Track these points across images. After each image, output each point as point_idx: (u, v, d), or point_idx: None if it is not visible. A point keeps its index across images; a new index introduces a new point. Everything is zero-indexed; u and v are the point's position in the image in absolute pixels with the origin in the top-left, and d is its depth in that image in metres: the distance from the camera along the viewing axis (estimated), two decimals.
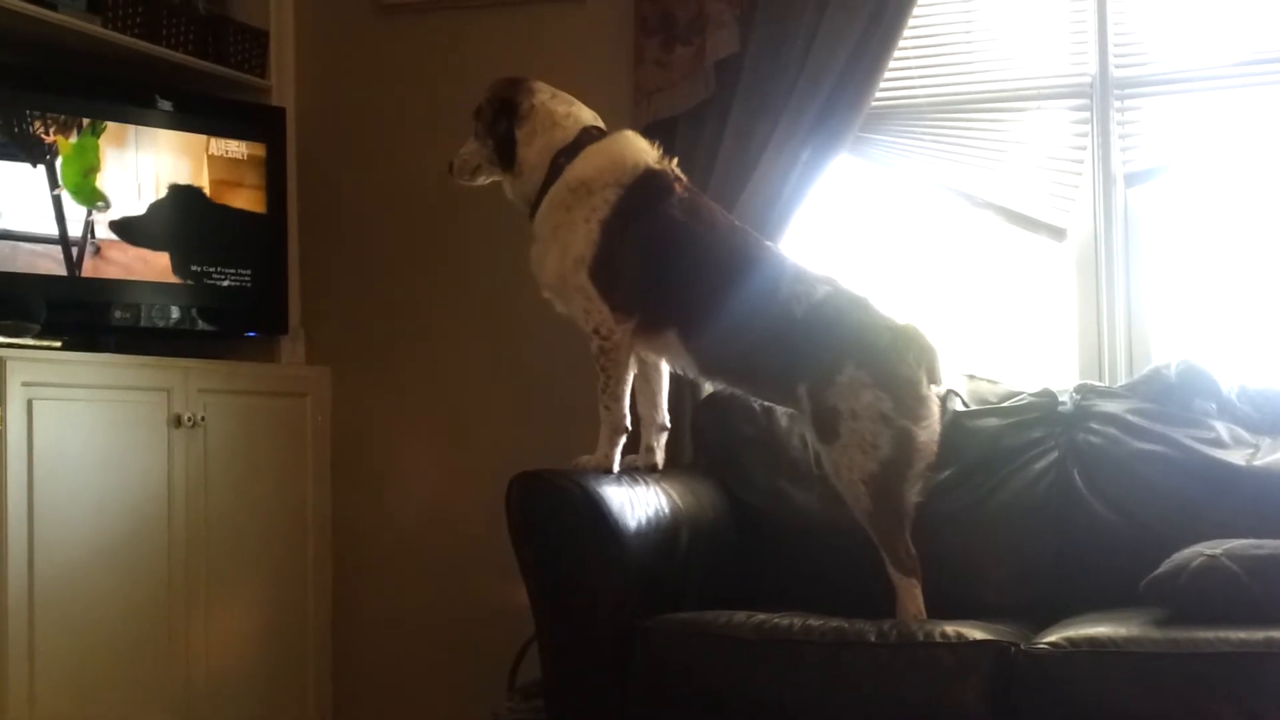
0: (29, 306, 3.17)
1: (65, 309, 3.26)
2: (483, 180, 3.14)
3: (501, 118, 3.03)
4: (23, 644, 2.92)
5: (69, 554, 3.03)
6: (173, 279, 3.49)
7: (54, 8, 3.25)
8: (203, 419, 3.37)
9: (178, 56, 3.57)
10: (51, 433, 3.00)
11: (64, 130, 3.26)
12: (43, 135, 3.21)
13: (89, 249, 3.31)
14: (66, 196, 3.25)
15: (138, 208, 3.42)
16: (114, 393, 3.18)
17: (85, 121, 3.30)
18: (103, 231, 3.34)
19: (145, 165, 3.44)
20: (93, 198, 3.32)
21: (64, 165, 3.26)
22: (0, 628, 2.87)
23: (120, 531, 3.17)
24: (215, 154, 3.58)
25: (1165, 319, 3.46)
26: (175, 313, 3.53)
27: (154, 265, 3.45)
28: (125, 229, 3.39)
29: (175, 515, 3.31)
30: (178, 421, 3.31)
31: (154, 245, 3.45)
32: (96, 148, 3.32)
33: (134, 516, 3.21)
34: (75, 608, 3.04)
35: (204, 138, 3.55)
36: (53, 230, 3.23)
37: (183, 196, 3.52)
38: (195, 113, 3.56)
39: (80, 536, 3.07)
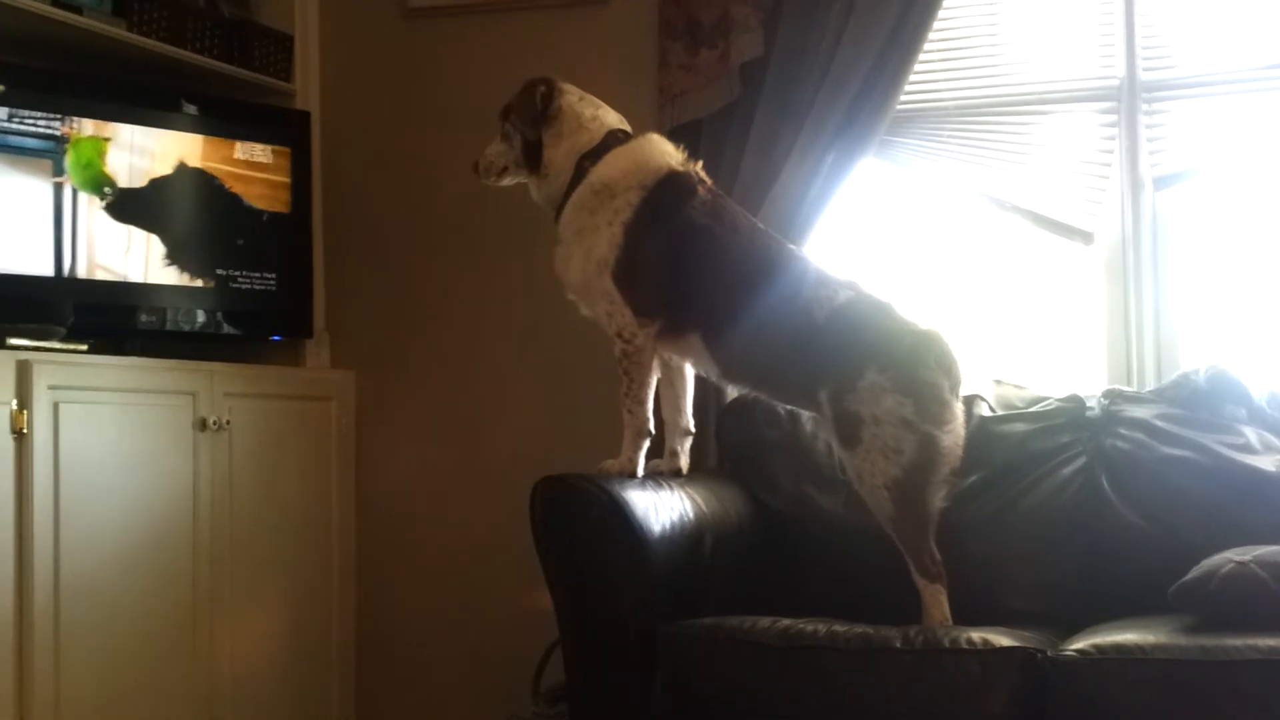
0: (55, 310, 3.19)
1: (90, 312, 3.27)
2: (508, 181, 3.15)
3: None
4: (49, 646, 2.93)
5: (95, 556, 3.05)
6: (198, 283, 3.51)
7: (79, 12, 3.26)
8: (228, 422, 3.38)
9: (203, 60, 3.58)
10: (77, 435, 3.01)
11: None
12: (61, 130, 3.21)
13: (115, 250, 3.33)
14: (76, 191, 3.25)
15: (163, 212, 3.43)
16: (140, 396, 3.19)
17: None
18: (122, 233, 3.36)
19: (171, 169, 3.44)
20: (99, 184, 3.30)
21: (72, 159, 3.25)
22: (27, 629, 2.89)
23: (145, 534, 3.18)
24: (240, 158, 3.59)
25: (1194, 324, 3.44)
26: (200, 316, 3.54)
27: (179, 269, 3.46)
28: (150, 232, 3.40)
29: (200, 518, 3.32)
30: (203, 425, 3.32)
31: (179, 249, 3.47)
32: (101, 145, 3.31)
33: (159, 519, 3.22)
34: (101, 610, 3.05)
35: (229, 141, 3.56)
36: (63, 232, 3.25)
37: (208, 200, 3.53)
38: (220, 116, 3.57)
39: (106, 539, 3.08)
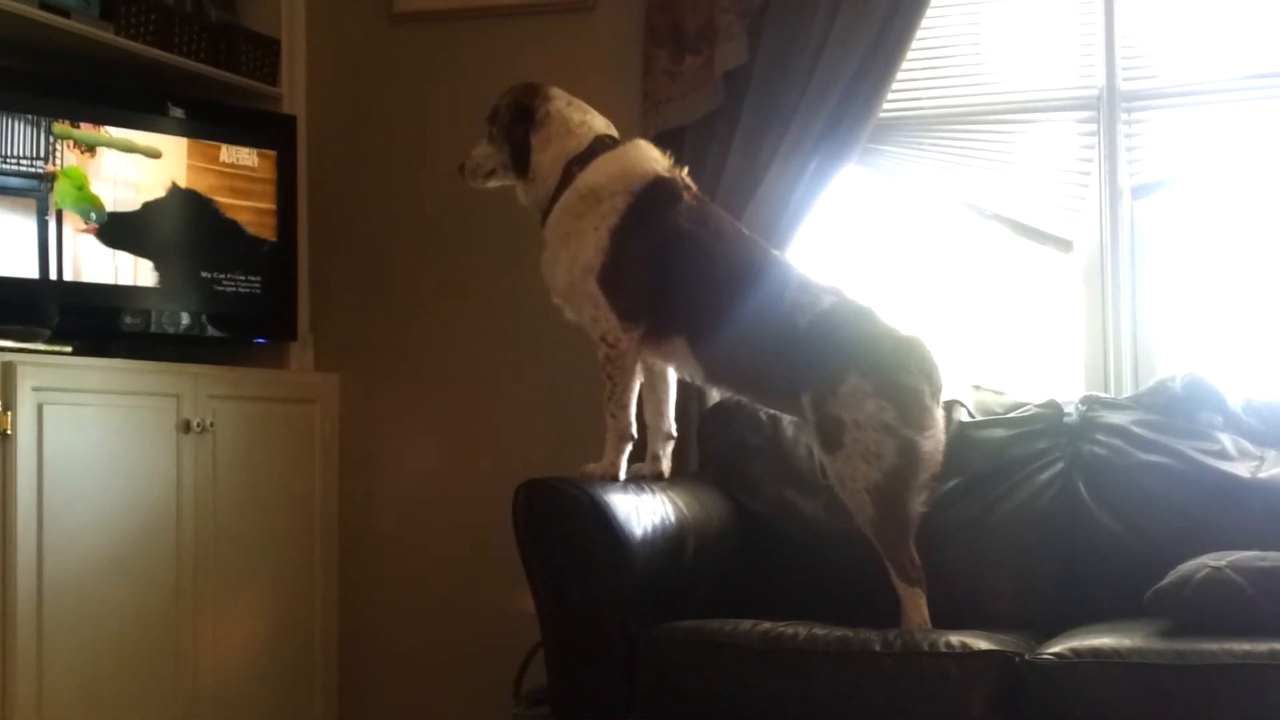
0: (40, 312, 3.19)
1: (75, 314, 3.28)
2: (495, 183, 3.16)
3: (518, 124, 3.05)
4: (31, 648, 2.93)
5: (78, 558, 3.05)
6: (183, 285, 3.51)
7: (67, 15, 3.27)
8: (212, 424, 3.38)
9: (190, 64, 3.59)
10: (62, 438, 3.01)
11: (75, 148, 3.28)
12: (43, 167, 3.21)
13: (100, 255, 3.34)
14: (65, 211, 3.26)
15: (149, 214, 3.44)
16: (124, 398, 3.19)
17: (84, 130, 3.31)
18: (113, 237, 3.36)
19: (157, 172, 3.45)
20: (88, 204, 3.31)
21: (59, 186, 3.25)
22: (9, 632, 2.89)
23: (129, 536, 3.18)
24: (227, 161, 3.59)
25: (1171, 331, 3.47)
26: (185, 319, 3.54)
27: (163, 271, 3.47)
28: (135, 236, 3.40)
29: (184, 520, 3.32)
30: (187, 427, 3.32)
31: (165, 252, 3.47)
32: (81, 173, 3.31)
33: (143, 521, 3.22)
34: (84, 612, 3.05)
35: (216, 145, 3.57)
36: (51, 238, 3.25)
37: (193, 203, 3.53)
38: (207, 120, 3.58)
39: (89, 541, 3.08)
